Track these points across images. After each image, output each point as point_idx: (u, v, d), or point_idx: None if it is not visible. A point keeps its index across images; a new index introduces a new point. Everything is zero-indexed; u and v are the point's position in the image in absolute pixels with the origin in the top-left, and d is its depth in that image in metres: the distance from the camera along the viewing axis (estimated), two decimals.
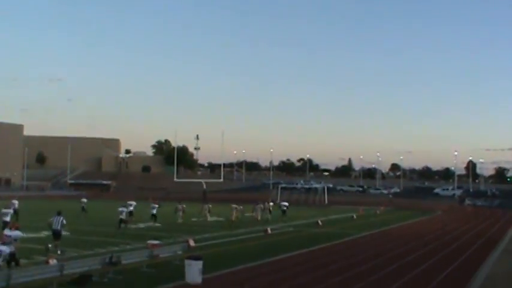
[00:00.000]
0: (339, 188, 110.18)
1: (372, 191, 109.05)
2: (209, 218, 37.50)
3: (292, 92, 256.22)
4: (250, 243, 25.91)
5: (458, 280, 16.98)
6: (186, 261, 15.45)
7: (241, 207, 39.21)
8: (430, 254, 23.01)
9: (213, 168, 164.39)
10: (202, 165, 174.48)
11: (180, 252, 19.17)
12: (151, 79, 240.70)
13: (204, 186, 74.14)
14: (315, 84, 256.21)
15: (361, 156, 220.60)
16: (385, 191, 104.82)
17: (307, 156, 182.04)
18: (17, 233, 15.62)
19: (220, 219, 39.08)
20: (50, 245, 20.61)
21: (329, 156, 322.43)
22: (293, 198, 59.77)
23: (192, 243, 22.98)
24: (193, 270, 15.18)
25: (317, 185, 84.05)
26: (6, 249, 14.73)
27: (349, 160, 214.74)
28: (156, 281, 15.35)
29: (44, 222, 23.35)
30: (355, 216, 45.11)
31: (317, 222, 37.49)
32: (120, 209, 29.98)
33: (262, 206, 42.01)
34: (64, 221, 21.23)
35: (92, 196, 71.12)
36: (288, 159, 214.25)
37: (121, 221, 29.51)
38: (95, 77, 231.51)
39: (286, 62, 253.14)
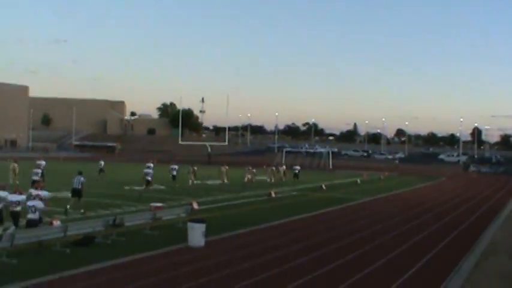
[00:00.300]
0: (343, 152, 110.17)
1: (376, 156, 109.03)
2: (192, 182, 35.63)
3: (298, 56, 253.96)
4: (254, 206, 25.97)
5: (462, 245, 16.99)
6: (189, 224, 15.47)
7: (254, 170, 40.46)
8: (434, 220, 23.02)
9: (218, 131, 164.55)
10: (207, 128, 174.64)
11: (183, 215, 19.21)
12: (157, 41, 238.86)
13: (209, 149, 74.17)
14: (320, 47, 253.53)
15: (367, 122, 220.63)
16: (390, 157, 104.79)
17: (313, 120, 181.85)
18: (45, 193, 16.01)
19: (217, 182, 38.83)
20: (68, 206, 20.88)
21: (334, 121, 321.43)
22: (297, 162, 59.72)
23: (195, 206, 23.04)
24: (196, 233, 15.21)
25: (322, 150, 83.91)
26: (40, 204, 15.01)
27: (355, 125, 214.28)
28: (158, 243, 15.41)
29: (59, 183, 23.47)
30: (359, 181, 45.14)
31: (321, 186, 37.55)
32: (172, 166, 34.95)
33: (274, 168, 43.02)
34: (83, 179, 21.91)
35: (96, 158, 71.49)
36: (293, 124, 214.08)
37: (173, 177, 33.74)
38: (100, 38, 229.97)
39: (294, 26, 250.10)
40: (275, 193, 31.46)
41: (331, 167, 67.90)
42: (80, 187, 21.61)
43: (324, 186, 37.47)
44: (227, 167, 41.15)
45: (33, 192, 15.81)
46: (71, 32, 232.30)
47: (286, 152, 76.00)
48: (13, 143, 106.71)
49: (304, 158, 74.64)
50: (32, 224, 14.67)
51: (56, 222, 16.34)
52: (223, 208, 24.76)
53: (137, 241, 15.72)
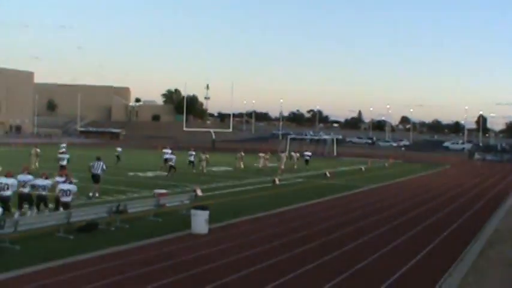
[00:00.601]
0: (348, 139, 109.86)
1: (381, 143, 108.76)
2: (205, 170, 35.87)
3: (303, 42, 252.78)
4: (258, 193, 25.92)
5: (467, 233, 16.89)
6: (193, 211, 15.42)
7: (268, 156, 41.66)
8: (438, 208, 22.93)
9: (223, 118, 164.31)
10: (212, 115, 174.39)
11: (187, 202, 19.16)
12: (162, 27, 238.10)
13: (213, 136, 74.15)
14: (325, 34, 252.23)
15: (371, 109, 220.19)
16: (394, 144, 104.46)
17: (317, 107, 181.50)
18: (73, 187, 16.27)
19: (229, 168, 39.46)
20: (90, 194, 21.46)
21: (339, 108, 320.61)
22: (302, 149, 59.67)
23: (199, 192, 22.99)
24: (200, 220, 15.16)
25: (326, 137, 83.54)
26: (74, 187, 16.15)
27: (359, 112, 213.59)
28: (162, 230, 15.38)
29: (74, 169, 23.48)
30: (363, 169, 45.01)
31: (325, 173, 37.45)
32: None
33: (287, 155, 43.48)
34: (104, 166, 22.58)
35: (101, 144, 71.58)
36: (298, 110, 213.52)
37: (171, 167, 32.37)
38: (105, 24, 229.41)
39: (300, 12, 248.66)
40: (279, 180, 31.39)
41: (335, 154, 67.69)
42: (99, 172, 22.16)
43: (328, 174, 37.37)
44: (243, 154, 42.02)
45: (62, 185, 16.19)
46: (76, 18, 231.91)
47: (290, 139, 75.82)
48: (18, 129, 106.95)
49: (308, 145, 74.37)
50: (65, 206, 15.61)
51: (29, 212, 16.25)
52: (227, 195, 24.72)
53: (141, 228, 15.70)
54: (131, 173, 32.79)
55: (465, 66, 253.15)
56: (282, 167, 40.09)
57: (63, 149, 37.40)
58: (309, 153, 46.51)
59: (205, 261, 11.96)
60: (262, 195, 25.46)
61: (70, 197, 15.90)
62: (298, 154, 46.19)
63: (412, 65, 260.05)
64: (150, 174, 33.29)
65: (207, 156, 37.10)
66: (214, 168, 38.32)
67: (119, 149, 40.41)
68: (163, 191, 21.37)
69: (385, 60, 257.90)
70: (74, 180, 18.25)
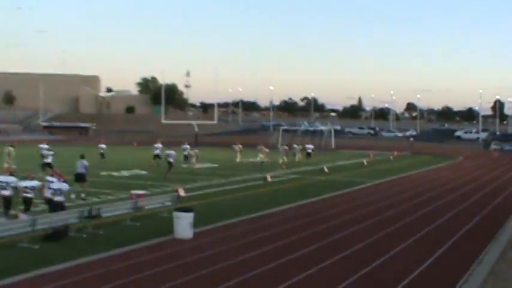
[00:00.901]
0: (347, 130, 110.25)
1: (384, 134, 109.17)
2: (196, 166, 37.57)
3: (294, 22, 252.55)
4: (248, 192, 25.93)
5: (484, 233, 17.00)
6: (175, 214, 15.39)
7: (267, 149, 42.83)
8: (452, 206, 23.06)
9: (206, 108, 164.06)
10: (193, 105, 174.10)
11: (168, 204, 19.13)
12: (135, 7, 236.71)
13: (196, 129, 73.98)
14: (319, 13, 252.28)
15: (373, 95, 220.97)
16: (399, 134, 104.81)
17: (312, 94, 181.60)
18: (65, 185, 16.74)
19: (215, 165, 39.57)
20: (83, 195, 22.05)
21: (336, 95, 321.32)
22: (296, 141, 59.70)
23: (182, 193, 22.95)
24: (183, 224, 15.13)
25: (323, 127, 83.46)
26: (65, 186, 16.65)
27: (359, 99, 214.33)
28: (141, 235, 15.34)
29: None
30: (365, 162, 45.19)
31: (323, 168, 37.55)
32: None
33: (287, 148, 44.15)
34: (86, 163, 23.68)
35: (68, 141, 71.17)
36: (290, 99, 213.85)
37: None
38: (69, 5, 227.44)
39: None
40: (271, 177, 31.42)
41: (333, 146, 67.88)
42: (84, 171, 23.25)
43: (326, 169, 37.45)
44: (241, 146, 44.64)
45: (53, 184, 16.79)
46: None
47: (283, 130, 75.83)
48: None
49: (301, 136, 74.39)
50: (60, 206, 16.11)
51: (23, 215, 16.20)
52: (213, 195, 24.70)
53: (116, 234, 15.65)
54: (104, 173, 32.64)
55: (478, 45, 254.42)
56: (286, 159, 40.86)
57: (45, 146, 36.55)
58: (311, 146, 47.12)
59: (191, 269, 11.93)
60: (252, 194, 25.48)
61: (62, 196, 16.35)
62: (301, 146, 46.46)
63: (417, 45, 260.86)
64: (125, 173, 33.19)
65: (197, 151, 38.90)
66: (198, 165, 38.27)
67: (103, 146, 40.28)
68: (141, 192, 21.31)
69: (387, 41, 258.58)
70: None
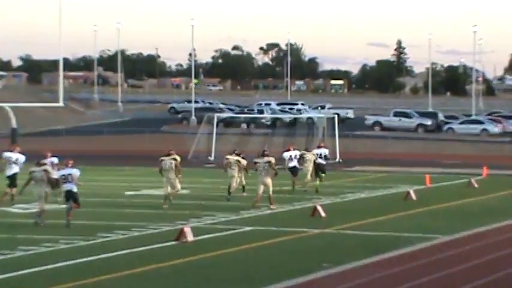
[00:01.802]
0: (369, 118, 61.37)
1: (455, 126, 57.48)
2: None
3: None
4: None
5: None
6: None
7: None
8: None
9: None
10: None
11: None
12: None
13: None
14: None
15: (431, 36, 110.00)
16: (491, 127, 55.59)
17: (289, 38, 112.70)
18: (76, 171, 16.13)
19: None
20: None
21: (343, 41, 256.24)
22: (294, 144, 30.25)
23: None
24: None
25: (315, 115, 56.49)
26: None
27: (399, 43, 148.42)
28: None
29: None
30: (413, 195, 21.93)
31: (314, 210, 18.56)
32: None
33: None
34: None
35: None
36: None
37: None
38: None
39: None
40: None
41: (338, 159, 36.20)
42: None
43: (321, 211, 18.18)
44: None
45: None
46: None
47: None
48: None
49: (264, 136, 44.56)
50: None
51: None
52: None
53: None
54: None
55: None
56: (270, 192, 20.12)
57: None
58: (326, 152, 26.70)
59: None
60: None
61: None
62: (314, 155, 25.24)
63: None
64: None
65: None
66: None
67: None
68: None
69: None
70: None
